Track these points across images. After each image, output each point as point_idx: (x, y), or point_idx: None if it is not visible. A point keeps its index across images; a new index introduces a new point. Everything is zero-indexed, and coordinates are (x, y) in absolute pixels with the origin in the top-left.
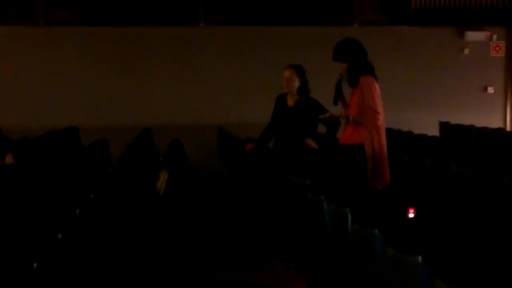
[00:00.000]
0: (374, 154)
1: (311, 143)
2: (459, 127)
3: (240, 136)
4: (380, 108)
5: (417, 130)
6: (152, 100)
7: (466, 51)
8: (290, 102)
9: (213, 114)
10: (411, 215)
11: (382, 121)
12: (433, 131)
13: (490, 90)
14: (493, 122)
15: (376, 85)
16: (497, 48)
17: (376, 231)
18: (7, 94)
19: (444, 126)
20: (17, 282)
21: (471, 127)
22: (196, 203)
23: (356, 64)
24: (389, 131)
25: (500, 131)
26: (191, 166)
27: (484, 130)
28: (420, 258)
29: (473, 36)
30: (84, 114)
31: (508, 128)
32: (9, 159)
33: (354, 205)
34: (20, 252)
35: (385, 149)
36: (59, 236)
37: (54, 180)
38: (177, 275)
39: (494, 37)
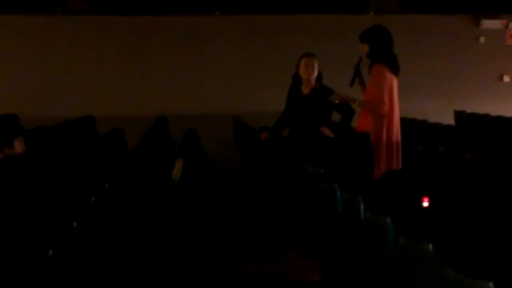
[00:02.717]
0: (377, 142)
1: (326, 131)
2: (474, 116)
3: (256, 125)
4: (386, 98)
5: (432, 119)
6: (168, 89)
7: (482, 39)
8: (305, 90)
9: (228, 103)
10: (425, 204)
11: (388, 111)
12: (449, 119)
13: (506, 78)
14: (509, 110)
15: (387, 75)
16: None
17: (388, 219)
18: (24, 83)
19: (460, 115)
20: (33, 269)
21: (486, 116)
22: (211, 192)
23: (378, 51)
24: (404, 120)
25: None
26: (206, 155)
27: (500, 118)
28: (431, 246)
29: (488, 24)
30: (101, 103)
31: None
32: (19, 146)
33: (367, 193)
34: (36, 239)
35: (383, 137)
36: (75, 224)
37: (70, 168)
38: (191, 264)
39: (510, 25)
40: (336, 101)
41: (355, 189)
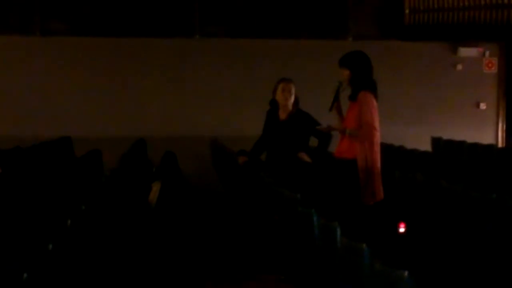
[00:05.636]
0: (367, 169)
1: (304, 156)
2: (451, 142)
3: (234, 148)
4: (377, 124)
5: (409, 145)
6: (146, 111)
7: (459, 66)
8: (282, 115)
9: (207, 126)
10: (402, 230)
11: (378, 137)
12: (425, 146)
13: (483, 106)
14: (485, 138)
15: (374, 102)
16: (490, 64)
17: (364, 245)
18: (1, 104)
19: (436, 142)
20: None
21: (463, 143)
22: (188, 214)
23: (359, 77)
24: (381, 146)
25: (492, 147)
26: (184, 177)
27: (476, 146)
28: (406, 272)
29: (466, 52)
30: (78, 125)
31: (499, 144)
32: None
33: (345, 219)
34: (11, 262)
35: (378, 165)
36: (50, 246)
37: (46, 190)
38: (168, 286)
39: (487, 53)
40: (325, 131)
41: (339, 215)
